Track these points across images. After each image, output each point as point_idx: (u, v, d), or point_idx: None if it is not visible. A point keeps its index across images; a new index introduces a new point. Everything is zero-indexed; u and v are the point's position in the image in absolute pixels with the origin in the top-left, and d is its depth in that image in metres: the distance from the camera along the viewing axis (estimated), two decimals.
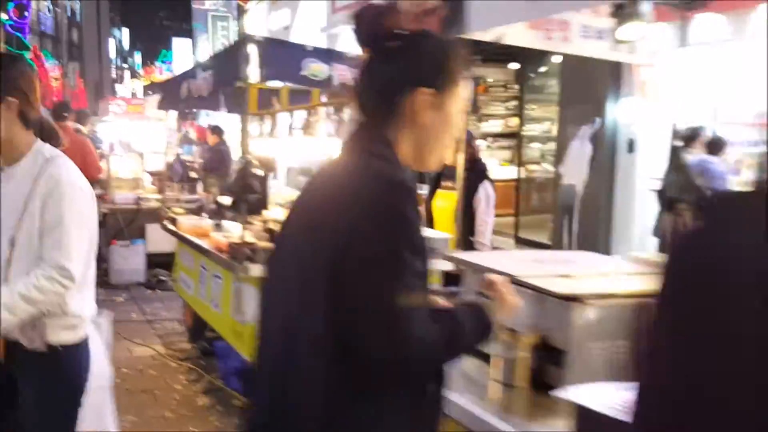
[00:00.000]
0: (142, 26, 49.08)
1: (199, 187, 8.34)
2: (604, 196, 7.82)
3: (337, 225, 1.23)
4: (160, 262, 7.51)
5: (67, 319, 2.06)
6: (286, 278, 1.35)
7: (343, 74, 3.80)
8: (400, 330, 1.18)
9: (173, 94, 5.36)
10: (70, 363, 2.11)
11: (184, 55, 30.20)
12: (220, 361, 4.69)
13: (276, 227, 4.57)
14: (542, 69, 10.61)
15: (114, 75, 42.71)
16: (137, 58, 52.55)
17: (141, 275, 7.39)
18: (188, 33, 30.16)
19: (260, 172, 4.25)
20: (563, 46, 2.84)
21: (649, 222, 7.60)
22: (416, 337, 1.19)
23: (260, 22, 21.45)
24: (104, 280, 7.25)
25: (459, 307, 1.34)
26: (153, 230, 7.43)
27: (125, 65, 50.35)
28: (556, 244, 8.15)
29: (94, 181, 7.35)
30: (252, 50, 3.62)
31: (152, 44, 45.07)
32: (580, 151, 7.74)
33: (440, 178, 5.28)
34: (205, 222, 5.09)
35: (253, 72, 3.61)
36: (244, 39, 3.62)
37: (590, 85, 7.88)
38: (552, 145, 9.74)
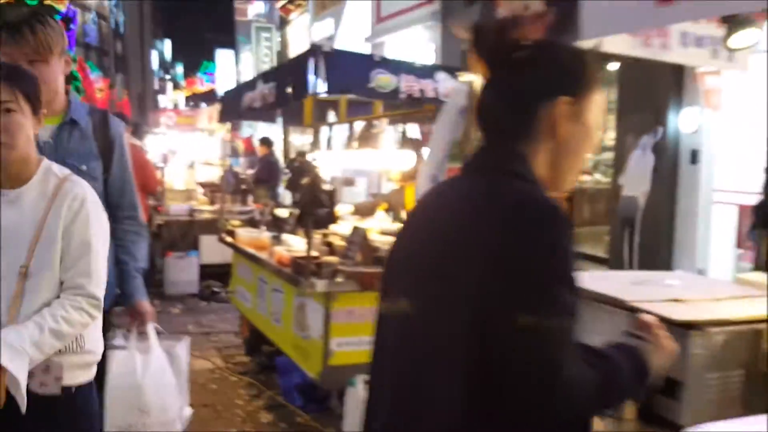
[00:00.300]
0: (184, 38, 49.99)
1: (249, 198, 8.40)
2: (665, 208, 7.61)
3: (478, 256, 1.12)
4: (212, 273, 7.55)
5: (83, 357, 1.85)
6: (412, 310, 1.25)
7: (410, 85, 3.74)
8: (550, 376, 1.08)
9: (233, 106, 5.36)
10: (85, 405, 1.89)
11: (227, 66, 30.56)
12: (281, 377, 4.64)
13: (336, 241, 4.52)
14: None
15: (156, 86, 43.54)
16: (179, 69, 53.49)
17: (194, 287, 7.43)
18: (231, 44, 30.55)
19: (329, 187, 4.21)
20: (662, 53, 2.72)
21: (713, 236, 7.38)
22: (568, 384, 1.08)
23: (303, 33, 21.62)
24: (159, 291, 7.31)
25: (615, 351, 1.23)
26: (207, 242, 7.48)
27: (168, 76, 51.28)
28: (615, 258, 7.95)
29: (152, 194, 7.43)
30: (319, 61, 3.58)
31: (194, 56, 45.82)
32: (642, 161, 7.53)
33: None
34: (264, 235, 5.07)
35: (320, 84, 3.56)
36: (311, 50, 3.58)
37: (650, 93, 7.70)
38: (605, 155, 9.53)
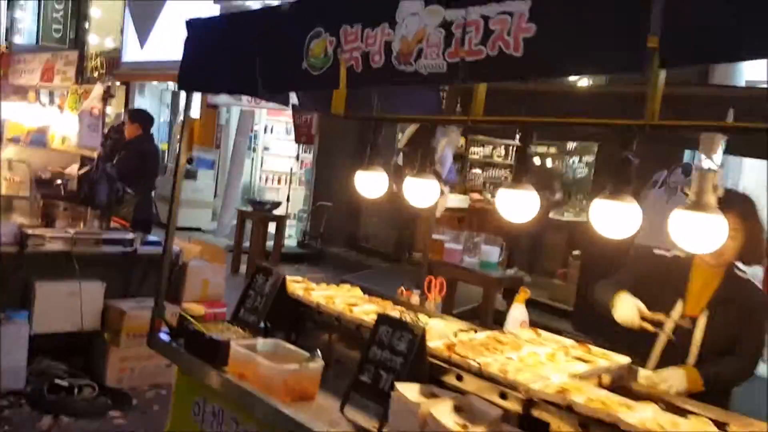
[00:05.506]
0: None
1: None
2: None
3: None
4: (51, 348, 4.05)
5: None
6: None
7: None
8: None
9: (221, 67, 2.24)
10: None
11: None
12: None
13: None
14: None
15: None
16: None
17: (20, 378, 3.82)
18: None
19: None
20: None
21: None
22: None
23: None
24: None
25: None
26: (45, 293, 3.96)
27: None
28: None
29: None
30: None
31: None
32: (666, 203, 5.59)
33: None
34: (289, 366, 2.05)
35: None
36: None
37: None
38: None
